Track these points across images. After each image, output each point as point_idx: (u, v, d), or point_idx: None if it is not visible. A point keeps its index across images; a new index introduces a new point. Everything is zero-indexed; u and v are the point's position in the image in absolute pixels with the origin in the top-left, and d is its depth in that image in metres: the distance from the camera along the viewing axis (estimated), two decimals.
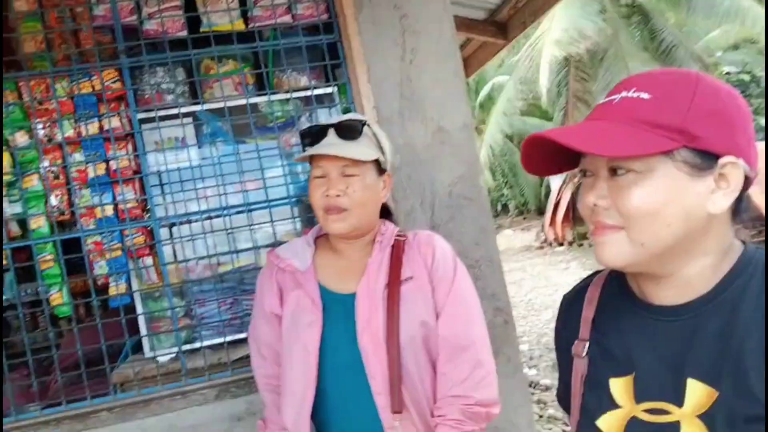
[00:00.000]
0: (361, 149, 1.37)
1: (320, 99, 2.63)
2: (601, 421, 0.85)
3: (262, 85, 2.67)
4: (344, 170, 1.36)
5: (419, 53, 2.51)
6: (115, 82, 2.43)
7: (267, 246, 2.48)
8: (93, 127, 2.39)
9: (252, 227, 2.42)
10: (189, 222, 2.45)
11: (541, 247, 15.73)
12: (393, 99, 2.47)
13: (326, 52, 2.57)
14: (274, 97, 2.57)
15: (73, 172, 2.37)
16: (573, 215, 14.30)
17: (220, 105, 2.48)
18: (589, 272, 1.03)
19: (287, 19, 2.57)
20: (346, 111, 2.64)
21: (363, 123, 1.41)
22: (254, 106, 2.58)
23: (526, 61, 14.69)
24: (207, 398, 2.18)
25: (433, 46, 2.53)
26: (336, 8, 2.55)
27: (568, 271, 11.79)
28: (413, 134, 2.46)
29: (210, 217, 2.47)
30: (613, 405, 0.84)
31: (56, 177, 2.36)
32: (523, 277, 11.93)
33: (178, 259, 2.41)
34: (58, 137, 2.36)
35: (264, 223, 2.44)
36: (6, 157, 2.33)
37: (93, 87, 2.41)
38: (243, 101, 2.51)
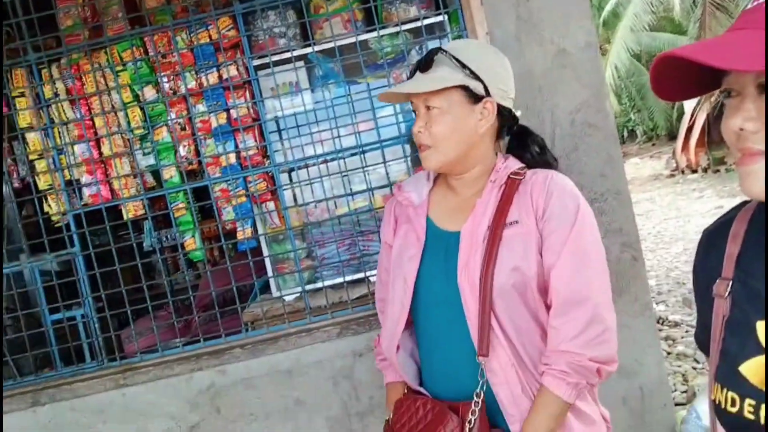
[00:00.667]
0: (429, 81, 1.27)
1: (431, 29, 2.51)
2: (745, 367, 0.77)
3: (371, 20, 2.60)
4: (427, 104, 1.28)
5: None
6: (230, 29, 2.47)
7: (380, 188, 2.47)
8: (213, 77, 2.47)
9: (365, 169, 2.41)
10: (306, 166, 2.49)
11: (672, 175, 14.66)
12: (508, 22, 2.31)
13: None
14: (383, 32, 2.49)
15: (197, 123, 2.47)
16: (708, 139, 13.09)
17: (331, 45, 2.45)
18: (726, 201, 0.90)
19: None
20: (456, 39, 2.52)
21: (436, 51, 1.29)
22: (364, 43, 2.52)
23: None
24: (330, 335, 2.26)
25: None
26: None
27: (701, 200, 10.91)
28: (531, 59, 2.30)
29: (326, 161, 2.49)
30: (760, 350, 0.76)
31: (183, 128, 2.48)
32: (651, 208, 11.23)
33: (298, 203, 2.47)
34: (182, 89, 2.45)
35: (377, 164, 2.42)
36: (137, 111, 2.47)
37: (210, 36, 2.47)
38: (352, 39, 2.46)
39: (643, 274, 2.30)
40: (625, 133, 28.84)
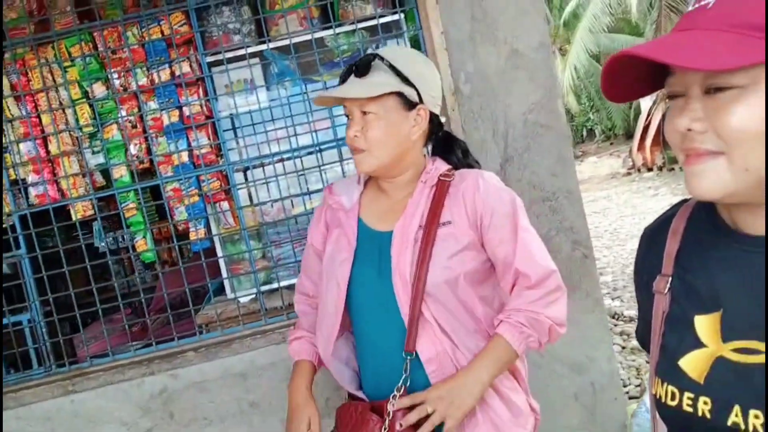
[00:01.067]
0: (368, 86, 1.29)
1: (387, 28, 2.51)
2: (684, 361, 0.79)
3: (327, 18, 2.57)
4: (362, 109, 1.30)
5: None
6: (182, 25, 2.41)
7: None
8: (165, 74, 2.41)
9: (322, 168, 2.39)
10: (262, 165, 2.46)
11: (629, 173, 15.02)
12: (463, 22, 2.32)
13: None
14: (339, 30, 2.48)
15: (149, 121, 2.41)
16: (663, 138, 13.45)
17: (286, 42, 2.42)
18: (680, 198, 0.93)
19: None
20: (413, 39, 2.52)
21: (373, 57, 1.32)
22: (320, 41, 2.50)
23: None
24: (285, 336, 2.23)
25: None
26: None
27: (656, 197, 11.22)
28: (485, 59, 2.32)
29: (282, 159, 2.47)
30: (698, 344, 0.78)
31: (134, 126, 2.42)
32: (608, 206, 11.48)
33: (253, 202, 2.43)
34: (133, 86, 2.39)
35: (333, 162, 2.41)
36: (86, 108, 2.40)
37: (162, 32, 2.42)
38: (308, 36, 2.44)
39: (594, 271, 2.35)
40: (584, 133, 29.42)
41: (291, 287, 2.40)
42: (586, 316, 2.25)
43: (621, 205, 11.29)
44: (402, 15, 2.49)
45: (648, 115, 14.00)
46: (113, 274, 2.44)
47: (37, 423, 2.16)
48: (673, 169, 13.26)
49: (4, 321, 2.32)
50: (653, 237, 0.92)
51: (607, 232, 9.06)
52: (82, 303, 2.30)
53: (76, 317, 2.30)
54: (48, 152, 2.39)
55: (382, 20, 2.46)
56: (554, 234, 2.25)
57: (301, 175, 2.42)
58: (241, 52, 2.44)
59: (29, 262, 2.30)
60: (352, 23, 2.45)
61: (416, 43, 2.47)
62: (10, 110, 2.38)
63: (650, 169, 14.14)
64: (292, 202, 2.49)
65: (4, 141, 2.37)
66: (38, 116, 2.38)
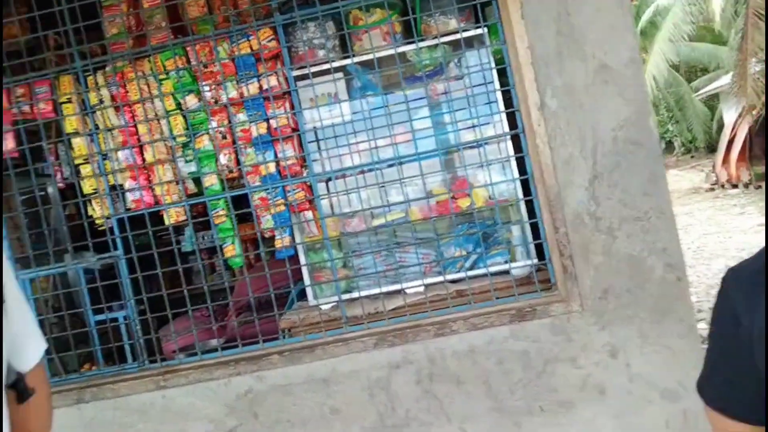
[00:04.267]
0: None
1: (470, 42, 2.52)
2: None
3: (410, 33, 2.61)
4: None
5: None
6: (270, 40, 2.50)
7: (417, 199, 2.48)
8: (253, 87, 2.50)
9: (402, 180, 2.42)
10: (344, 176, 2.52)
11: (712, 189, 14.30)
12: (549, 36, 2.29)
13: None
14: (422, 44, 2.50)
15: (238, 132, 2.51)
16: (750, 154, 12.75)
17: (369, 57, 2.47)
18: None
19: None
20: (497, 53, 2.51)
21: None
22: (403, 55, 2.54)
23: None
24: (366, 345, 2.27)
25: None
26: None
27: (742, 216, 10.64)
28: (572, 74, 2.28)
29: (363, 171, 2.51)
30: None
31: (224, 137, 2.52)
32: (690, 223, 10.98)
33: (335, 212, 2.49)
34: (224, 99, 2.50)
35: (414, 176, 2.43)
36: (179, 119, 2.52)
37: (251, 47, 2.51)
38: (391, 51, 2.48)
39: (687, 295, 2.26)
40: (663, 145, 28.28)
41: (371, 297, 2.43)
42: (679, 342, 2.16)
43: (704, 222, 10.78)
44: (485, 29, 2.49)
45: (733, 129, 13.33)
46: (204, 276, 2.55)
47: (132, 414, 2.28)
48: (760, 186, 12.55)
49: (103, 317, 2.46)
50: (754, 283, 0.81)
51: (690, 250, 8.69)
52: (169, 301, 2.41)
53: (165, 316, 2.42)
54: (144, 160, 2.53)
55: (465, 34, 2.47)
56: (646, 255, 2.18)
57: (382, 187, 2.45)
58: (326, 66, 2.50)
59: (125, 262, 2.43)
60: (435, 37, 2.47)
61: (500, 58, 2.46)
62: (110, 120, 2.53)
63: (735, 186, 13.42)
64: (372, 213, 2.53)
65: (103, 149, 2.53)
66: (135, 126, 2.52)
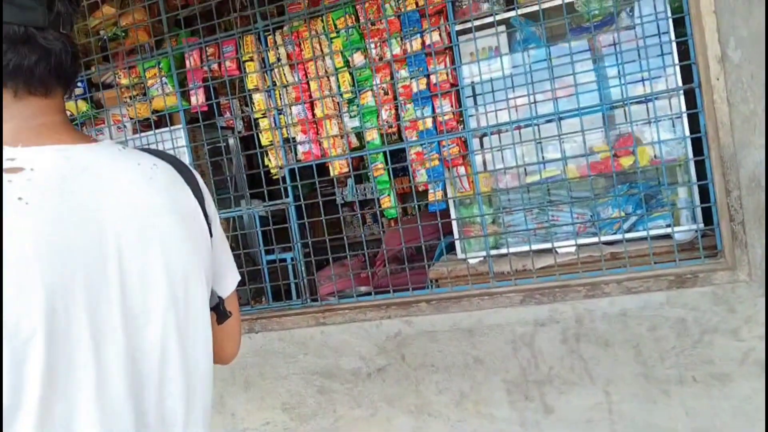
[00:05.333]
0: None
1: None
2: None
3: None
4: None
5: None
6: None
7: (574, 157, 2.41)
8: (416, 44, 2.57)
9: (560, 137, 2.36)
10: (499, 132, 2.51)
11: None
12: None
13: None
14: None
15: (399, 88, 2.60)
16: None
17: (535, 8, 2.40)
18: None
19: None
20: (674, 1, 2.32)
21: None
22: (570, 6, 2.44)
23: None
24: (512, 301, 2.30)
25: None
26: None
27: None
28: (762, 22, 2.04)
29: (519, 127, 2.49)
30: None
31: (386, 93, 2.63)
32: None
33: (488, 168, 2.51)
34: (388, 55, 2.60)
35: (573, 132, 2.36)
36: (346, 76, 2.67)
37: (417, 3, 2.57)
38: (558, 1, 2.39)
39: None
40: None
41: (519, 254, 2.45)
42: None
43: None
44: None
45: None
46: (360, 226, 2.72)
47: (295, 346, 2.55)
48: None
49: (273, 257, 2.74)
50: None
51: None
52: (325, 247, 2.62)
53: (322, 259, 2.64)
54: (314, 115, 2.72)
55: None
56: None
57: (539, 143, 2.42)
58: (489, 19, 2.48)
59: (294, 209, 2.68)
60: None
61: (677, 7, 2.27)
62: (285, 77, 2.75)
63: None
64: (525, 170, 2.51)
65: (279, 104, 2.76)
66: (307, 83, 2.72)
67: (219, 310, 1.02)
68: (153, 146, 3.01)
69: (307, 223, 2.64)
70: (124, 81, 3.00)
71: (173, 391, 0.86)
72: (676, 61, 2.29)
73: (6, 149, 0.78)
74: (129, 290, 0.80)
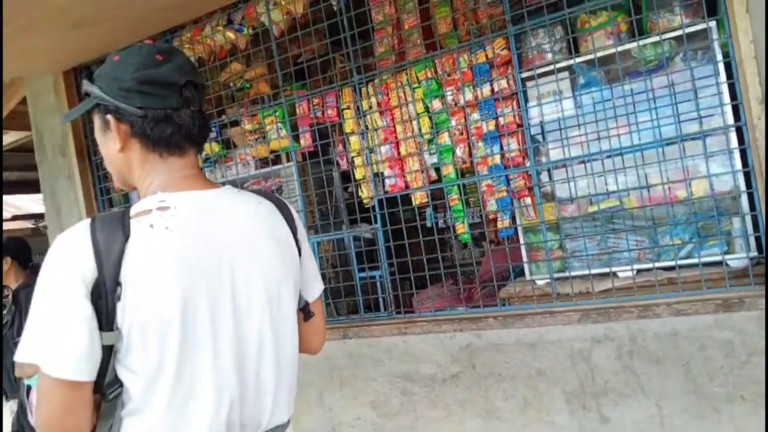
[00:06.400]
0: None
1: (697, 36, 2.56)
2: None
3: (637, 31, 2.74)
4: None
5: None
6: (503, 49, 2.89)
7: (633, 189, 2.64)
8: (486, 90, 2.93)
9: (617, 171, 2.61)
10: (564, 166, 2.80)
11: None
12: None
13: None
14: (642, 42, 2.63)
15: (472, 129, 2.97)
16: None
17: (591, 57, 2.69)
18: None
19: None
20: (724, 46, 2.51)
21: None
22: (627, 52, 2.69)
23: None
24: (571, 319, 2.56)
25: None
26: None
27: None
28: None
29: (583, 162, 2.76)
30: None
31: (461, 133, 3.00)
32: None
33: (553, 199, 2.80)
34: (462, 101, 2.98)
35: (630, 167, 2.60)
36: (426, 120, 3.08)
37: (486, 56, 2.93)
38: (612, 50, 2.66)
39: None
40: None
41: (581, 277, 2.71)
42: None
43: None
44: (715, 23, 2.50)
45: None
46: (450, 250, 3.10)
47: (381, 352, 2.96)
48: None
49: (365, 275, 3.19)
50: None
51: None
52: (417, 268, 3.02)
53: (412, 278, 3.04)
54: (399, 153, 3.15)
55: (689, 29, 2.53)
56: None
57: (600, 176, 2.68)
58: (551, 67, 2.79)
59: (382, 233, 3.11)
60: (659, 34, 2.58)
61: (727, 51, 2.47)
62: (376, 122, 3.21)
63: None
64: (590, 200, 2.77)
65: (371, 144, 3.22)
66: (394, 126, 3.16)
67: (305, 311, 1.38)
68: (270, 179, 3.60)
69: (392, 247, 3.07)
70: (248, 126, 3.61)
71: (266, 367, 1.19)
72: (726, 101, 2.47)
73: (159, 194, 1.15)
74: (237, 293, 1.14)
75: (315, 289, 1.42)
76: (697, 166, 2.59)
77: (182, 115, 1.17)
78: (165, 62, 1.16)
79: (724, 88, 2.49)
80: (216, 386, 1.10)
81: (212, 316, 1.10)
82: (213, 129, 3.76)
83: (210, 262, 1.11)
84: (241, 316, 1.15)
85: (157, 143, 1.18)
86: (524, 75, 2.87)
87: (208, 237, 1.13)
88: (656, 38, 2.61)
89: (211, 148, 3.74)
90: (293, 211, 1.35)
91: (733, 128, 2.46)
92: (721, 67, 2.50)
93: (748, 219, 2.46)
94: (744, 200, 2.47)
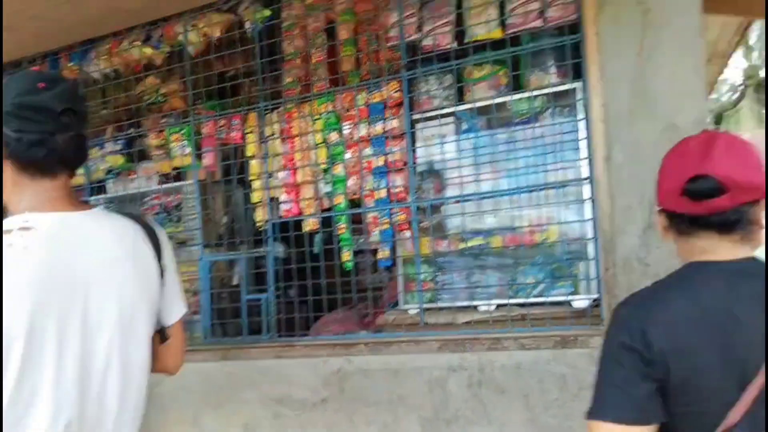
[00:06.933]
0: None
1: (564, 96, 2.81)
2: None
3: (516, 85, 2.98)
4: None
5: (658, 49, 2.48)
6: (396, 92, 3.09)
7: (502, 229, 2.85)
8: (378, 128, 3.11)
9: (486, 212, 2.83)
10: (441, 204, 3.00)
11: None
12: (623, 96, 2.52)
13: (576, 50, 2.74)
14: (517, 96, 2.87)
15: (364, 163, 3.14)
16: None
17: (476, 105, 2.91)
18: None
19: (538, 23, 2.82)
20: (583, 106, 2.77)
21: None
22: (505, 104, 2.93)
23: None
24: (432, 348, 2.73)
25: (675, 41, 2.46)
26: (582, 9, 2.67)
27: None
28: (640, 132, 2.48)
29: (458, 201, 2.96)
30: None
31: (354, 166, 3.17)
32: None
33: (430, 234, 2.99)
34: (356, 136, 3.15)
35: (499, 209, 2.82)
36: (323, 150, 3.24)
37: (382, 96, 3.13)
38: (490, 101, 2.90)
39: None
40: None
41: (450, 308, 2.88)
42: None
43: None
44: (581, 84, 2.75)
45: None
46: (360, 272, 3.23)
47: (258, 375, 3.05)
48: None
49: (250, 297, 3.28)
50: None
51: None
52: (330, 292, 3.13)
53: (309, 302, 3.17)
54: (296, 180, 3.29)
55: (558, 89, 2.78)
56: None
57: (471, 216, 2.88)
58: (439, 112, 3.01)
59: (272, 257, 3.23)
60: (530, 90, 2.83)
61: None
62: (277, 148, 3.35)
63: None
64: (462, 237, 2.96)
65: (270, 169, 3.35)
66: (293, 154, 3.30)
67: (162, 333, 1.43)
68: (171, 195, 3.68)
69: (282, 270, 3.20)
70: (154, 141, 3.69)
71: (111, 388, 1.23)
72: (584, 156, 2.72)
73: (25, 214, 1.20)
74: (89, 313, 1.19)
75: (174, 313, 1.45)
76: (556, 212, 2.82)
77: (58, 140, 1.22)
78: (46, 90, 1.22)
79: (583, 144, 2.74)
80: (55, 404, 1.14)
81: (60, 335, 1.15)
82: (118, 142, 3.84)
83: (64, 281, 1.17)
84: (90, 336, 1.20)
85: (29, 165, 1.23)
86: (415, 117, 3.08)
87: (65, 258, 1.19)
88: (528, 93, 2.85)
89: (116, 160, 3.81)
90: (161, 236, 1.41)
91: (588, 181, 2.71)
92: (582, 124, 2.75)
93: (593, 264, 2.69)
94: (590, 247, 2.70)
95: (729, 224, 1.12)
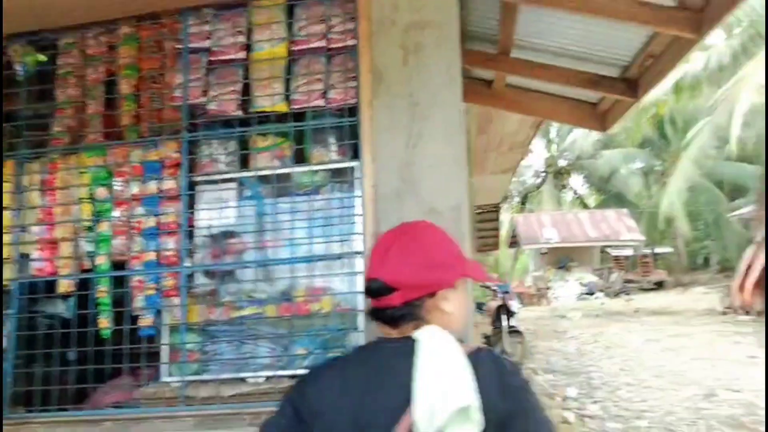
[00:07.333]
0: None
1: (344, 172, 2.92)
2: None
3: (299, 157, 3.04)
4: None
5: (423, 138, 2.69)
6: (175, 152, 2.98)
7: (276, 300, 2.83)
8: (152, 187, 2.96)
9: (262, 280, 2.80)
10: (215, 271, 2.90)
11: (725, 313, 14.00)
12: (392, 180, 2.69)
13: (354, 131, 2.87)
14: (298, 169, 2.93)
15: (133, 223, 2.95)
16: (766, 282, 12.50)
17: (255, 174, 2.90)
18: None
19: (320, 102, 2.93)
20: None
21: None
22: (288, 175, 2.96)
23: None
24: (187, 425, 2.58)
25: (438, 133, 2.69)
26: (360, 95, 2.83)
27: (739, 345, 10.39)
28: (406, 213, 2.64)
29: (232, 271, 2.89)
30: None
31: (122, 225, 2.96)
32: (686, 345, 10.81)
33: (201, 302, 2.87)
34: (128, 194, 2.96)
35: (284, 277, 2.81)
36: (89, 206, 2.99)
37: (159, 155, 2.99)
38: (272, 171, 2.92)
39: None
40: (701, 260, 27.75)
41: (217, 381, 2.76)
42: None
43: (700, 347, 10.59)
44: (359, 163, 2.88)
45: (754, 253, 13.13)
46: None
47: None
48: None
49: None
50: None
51: (671, 373, 8.60)
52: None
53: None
54: (53, 236, 2.99)
55: (338, 165, 2.89)
56: None
57: (247, 283, 2.83)
58: (220, 177, 2.95)
59: (15, 321, 2.86)
60: (311, 165, 2.91)
61: None
62: (35, 200, 3.02)
63: (747, 312, 13.12)
64: (236, 305, 2.88)
65: (23, 222, 3.01)
66: (52, 208, 3.00)
67: None
68: None
69: (14, 336, 2.84)
70: None
71: None
72: (359, 230, 2.82)
73: None
74: None
75: None
76: (331, 283, 2.88)
77: None
78: None
79: (359, 219, 2.85)
80: None
81: None
82: None
83: None
84: None
85: None
86: (195, 179, 2.98)
87: None
88: (310, 168, 2.92)
89: None
90: None
91: (360, 255, 2.81)
92: (360, 201, 2.87)
93: (362, 336, 2.77)
94: (360, 318, 2.79)
95: (396, 318, 1.33)
